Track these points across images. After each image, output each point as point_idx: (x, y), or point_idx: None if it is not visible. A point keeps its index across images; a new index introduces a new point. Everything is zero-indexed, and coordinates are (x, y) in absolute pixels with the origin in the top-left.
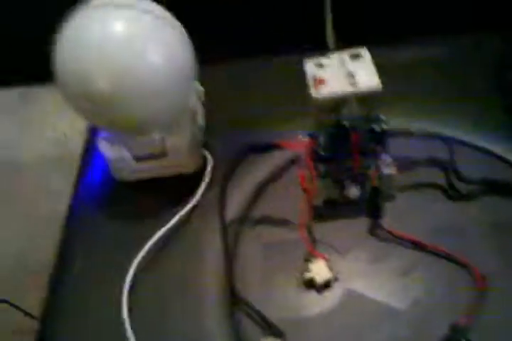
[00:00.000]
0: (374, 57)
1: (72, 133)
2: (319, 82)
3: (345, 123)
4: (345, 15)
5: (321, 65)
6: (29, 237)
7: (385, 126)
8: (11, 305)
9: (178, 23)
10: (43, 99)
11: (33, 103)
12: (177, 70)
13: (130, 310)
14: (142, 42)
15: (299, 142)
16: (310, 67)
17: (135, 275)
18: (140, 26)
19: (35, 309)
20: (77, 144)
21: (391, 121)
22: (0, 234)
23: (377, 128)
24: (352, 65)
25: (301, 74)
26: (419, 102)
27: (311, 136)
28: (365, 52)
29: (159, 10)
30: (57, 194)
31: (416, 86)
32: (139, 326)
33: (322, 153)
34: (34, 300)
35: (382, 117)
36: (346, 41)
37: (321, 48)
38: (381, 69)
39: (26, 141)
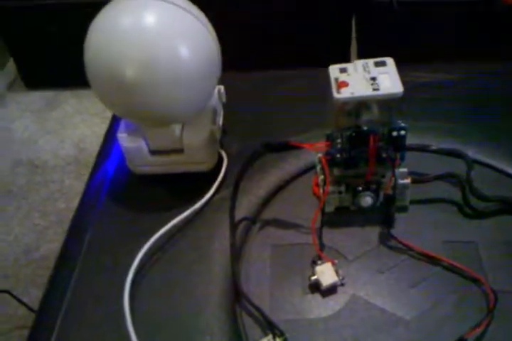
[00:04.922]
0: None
1: (91, 136)
2: (342, 84)
3: (364, 127)
4: (370, 37)
5: (344, 70)
6: (41, 233)
7: (403, 133)
8: (13, 296)
9: (207, 21)
10: (67, 103)
11: (57, 106)
12: (203, 64)
13: (132, 298)
14: (172, 34)
15: (315, 144)
16: (333, 70)
17: (140, 266)
18: (171, 19)
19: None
20: (94, 146)
21: (412, 137)
22: (13, 229)
23: (395, 133)
24: (376, 71)
25: (322, 86)
26: (442, 121)
27: (329, 137)
28: (389, 61)
29: (191, 6)
30: (71, 192)
31: (438, 106)
32: (140, 317)
33: (338, 156)
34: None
35: (403, 124)
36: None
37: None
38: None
39: (47, 141)
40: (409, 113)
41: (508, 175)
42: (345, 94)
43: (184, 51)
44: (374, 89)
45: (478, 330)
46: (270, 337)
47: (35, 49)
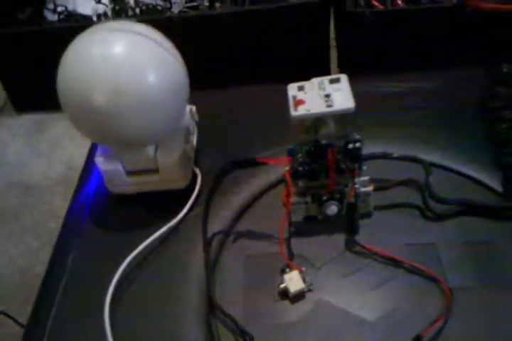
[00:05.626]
0: (366, 87)
1: (79, 157)
2: (298, 102)
3: (323, 141)
4: (349, 46)
5: (302, 88)
6: (34, 253)
7: (359, 145)
8: (9, 316)
9: (173, 48)
10: (56, 125)
11: (47, 128)
12: (170, 88)
13: (113, 313)
14: (139, 62)
15: (279, 159)
16: (292, 89)
17: (120, 282)
18: (138, 48)
19: None
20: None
21: (373, 145)
22: (7, 250)
23: (351, 146)
24: (330, 88)
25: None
26: (403, 129)
27: (290, 153)
28: (343, 77)
29: (157, 35)
30: (60, 212)
31: (406, 114)
32: (121, 330)
33: (300, 169)
34: None
35: (358, 137)
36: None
37: None
38: (372, 98)
39: (38, 163)
40: (376, 122)
41: (468, 177)
42: (301, 111)
43: (151, 77)
44: (328, 106)
45: (435, 327)
46: None
47: (23, 72)
